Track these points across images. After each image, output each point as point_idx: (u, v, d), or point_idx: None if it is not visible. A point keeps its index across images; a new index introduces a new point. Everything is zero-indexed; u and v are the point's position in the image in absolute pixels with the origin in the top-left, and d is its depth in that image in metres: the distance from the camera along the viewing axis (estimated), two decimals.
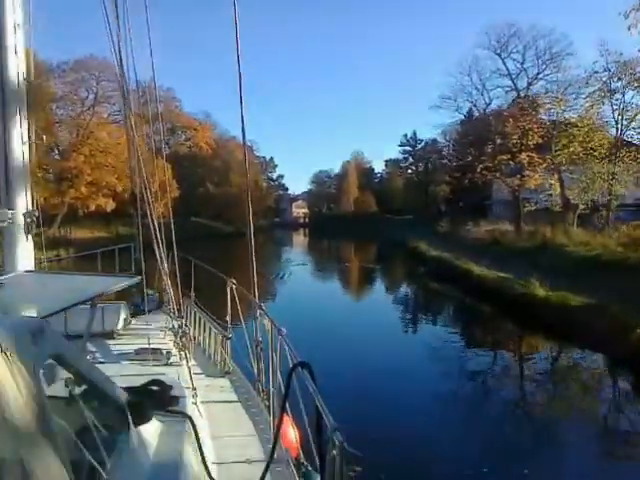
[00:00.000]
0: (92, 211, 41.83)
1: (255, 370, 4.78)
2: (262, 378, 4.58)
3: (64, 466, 1.51)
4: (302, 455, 3.24)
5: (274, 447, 2.78)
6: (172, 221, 5.39)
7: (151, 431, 2.60)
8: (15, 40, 4.25)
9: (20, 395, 1.43)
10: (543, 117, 32.64)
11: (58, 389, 2.06)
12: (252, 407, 4.38)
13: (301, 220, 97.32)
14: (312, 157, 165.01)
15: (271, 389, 3.84)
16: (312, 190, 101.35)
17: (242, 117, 4.46)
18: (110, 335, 5.44)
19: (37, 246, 4.45)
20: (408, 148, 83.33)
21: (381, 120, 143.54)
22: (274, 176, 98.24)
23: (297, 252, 47.01)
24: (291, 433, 3.45)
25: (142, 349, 4.94)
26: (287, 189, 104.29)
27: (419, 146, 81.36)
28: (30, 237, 4.30)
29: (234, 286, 5.31)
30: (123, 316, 6.04)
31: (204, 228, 54.97)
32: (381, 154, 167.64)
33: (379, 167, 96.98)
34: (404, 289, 25.19)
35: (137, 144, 5.49)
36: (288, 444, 3.46)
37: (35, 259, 4.42)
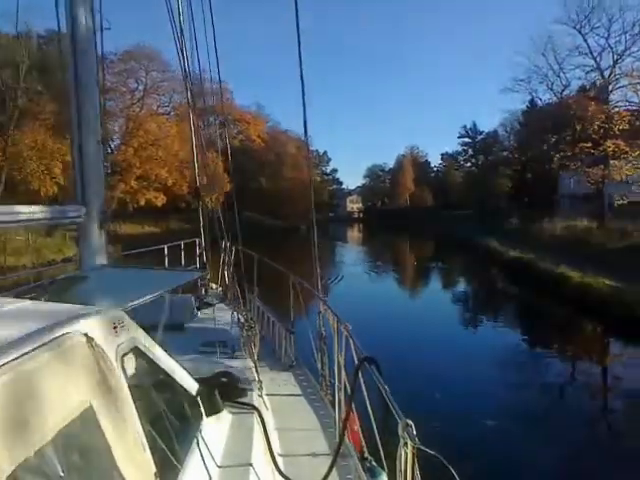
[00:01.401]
0: (142, 206, 43.46)
1: (319, 364, 5.12)
2: (326, 372, 4.91)
3: (145, 452, 1.70)
4: (366, 450, 3.45)
5: (340, 442, 2.99)
6: (237, 217, 5.82)
7: (221, 422, 2.82)
8: (90, 43, 4.80)
9: (104, 383, 1.59)
10: (634, 100, 31.17)
11: (135, 378, 2.23)
12: (316, 401, 4.69)
13: (355, 215, 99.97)
14: (366, 151, 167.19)
15: (336, 383, 4.09)
16: (366, 185, 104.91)
17: (305, 116, 4.83)
18: (177, 327, 5.82)
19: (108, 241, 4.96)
20: (467, 140, 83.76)
21: (437, 112, 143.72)
22: (328, 170, 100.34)
23: (351, 247, 47.58)
24: (356, 428, 3.69)
25: (208, 341, 5.31)
26: (341, 183, 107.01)
27: (479, 138, 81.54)
28: (103, 232, 4.84)
29: (297, 281, 5.68)
30: (190, 309, 6.51)
31: (257, 223, 56.45)
32: (437, 147, 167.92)
33: (435, 161, 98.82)
34: (476, 294, 23.27)
35: (202, 138, 5.96)
36: (353, 439, 3.69)
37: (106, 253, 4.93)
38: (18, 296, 3.30)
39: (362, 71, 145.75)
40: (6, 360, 1.22)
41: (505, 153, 69.33)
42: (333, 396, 4.33)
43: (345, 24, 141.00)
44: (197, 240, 7.97)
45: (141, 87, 45.75)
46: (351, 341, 3.50)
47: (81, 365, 1.53)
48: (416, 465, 1.96)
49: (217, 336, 5.48)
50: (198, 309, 6.91)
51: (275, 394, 4.58)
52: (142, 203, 43.13)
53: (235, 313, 5.70)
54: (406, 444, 1.94)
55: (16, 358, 1.25)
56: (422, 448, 1.89)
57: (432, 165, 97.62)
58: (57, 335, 1.50)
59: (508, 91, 40.88)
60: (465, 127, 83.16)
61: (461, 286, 25.52)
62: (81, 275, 4.14)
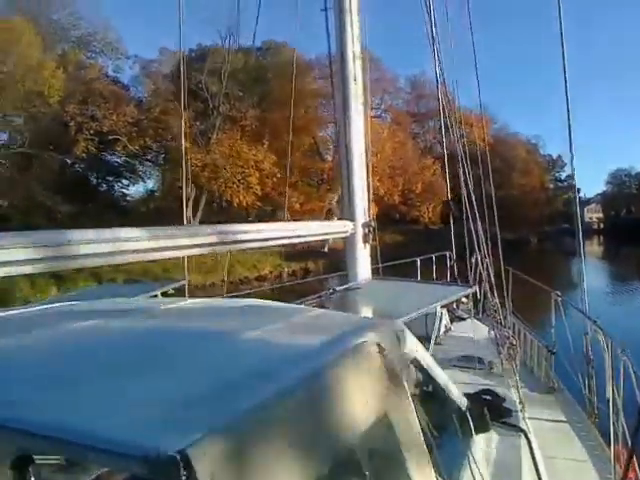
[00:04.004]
0: None
1: (585, 390, 5.36)
2: (594, 399, 5.14)
3: (429, 463, 1.89)
4: None
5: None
6: (498, 231, 6.39)
7: (489, 441, 3.02)
8: (355, 69, 5.90)
9: (395, 393, 1.80)
10: None
11: (412, 389, 2.43)
12: (582, 430, 4.84)
13: (595, 226, 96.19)
14: (609, 154, 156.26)
15: (610, 414, 4.20)
16: (607, 192, 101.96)
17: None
18: (431, 340, 6.54)
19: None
20: None
21: None
22: (562, 176, 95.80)
23: (591, 263, 44.32)
24: (636, 468, 3.67)
25: (464, 356, 5.89)
26: (578, 191, 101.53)
27: None
28: (367, 246, 5.82)
29: (559, 298, 6.04)
30: (443, 322, 7.11)
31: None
32: None
33: None
34: None
35: (460, 148, 6.62)
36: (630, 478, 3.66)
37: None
38: (305, 304, 4.03)
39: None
40: (312, 367, 1.45)
41: None
42: (602, 427, 4.49)
43: None
44: (448, 253, 8.79)
45: None
46: (631, 368, 3.65)
47: (375, 374, 1.74)
48: None
49: (472, 351, 5.96)
50: (451, 322, 7.61)
51: (536, 418, 4.72)
52: None
53: (488, 328, 6.20)
54: None
55: (321, 365, 1.48)
56: None
57: None
58: (354, 344, 1.74)
59: None
60: None
61: None
62: (356, 287, 5.02)
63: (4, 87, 31.26)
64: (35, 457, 2.47)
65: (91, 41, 42.10)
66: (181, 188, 38.40)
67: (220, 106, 41.58)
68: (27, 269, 2.56)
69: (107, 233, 2.91)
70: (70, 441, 1.07)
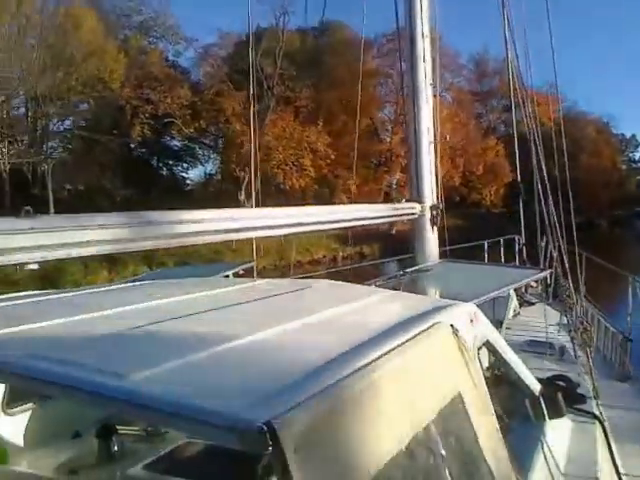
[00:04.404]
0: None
1: None
2: None
3: (503, 446, 1.94)
4: None
5: None
6: (572, 209, 6.26)
7: (563, 428, 3.00)
8: (423, 48, 5.92)
9: (469, 374, 1.85)
10: None
11: (485, 371, 2.45)
12: None
13: None
14: None
15: None
16: None
17: None
18: (499, 324, 6.37)
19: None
20: None
21: None
22: (636, 157, 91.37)
23: None
24: None
25: (534, 341, 5.82)
26: None
27: None
28: (435, 229, 5.87)
29: (637, 284, 5.93)
30: (512, 306, 6.97)
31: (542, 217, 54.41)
32: None
33: None
34: None
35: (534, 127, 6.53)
36: None
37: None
38: (376, 286, 4.16)
39: None
40: (390, 347, 1.53)
41: None
42: None
43: None
44: (516, 237, 8.72)
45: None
46: None
47: (450, 355, 1.83)
48: None
49: (542, 336, 5.88)
50: (519, 307, 7.49)
51: (611, 405, 4.60)
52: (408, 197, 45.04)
53: (559, 313, 6.13)
54: None
55: (398, 345, 1.57)
56: None
57: None
58: (429, 325, 1.84)
59: None
60: None
61: None
62: (426, 269, 5.11)
63: (67, 72, 32.32)
64: (118, 427, 2.70)
65: (152, 26, 43.02)
66: (235, 171, 38.84)
67: (274, 87, 41.72)
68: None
69: (187, 214, 2.98)
70: (160, 410, 1.15)
